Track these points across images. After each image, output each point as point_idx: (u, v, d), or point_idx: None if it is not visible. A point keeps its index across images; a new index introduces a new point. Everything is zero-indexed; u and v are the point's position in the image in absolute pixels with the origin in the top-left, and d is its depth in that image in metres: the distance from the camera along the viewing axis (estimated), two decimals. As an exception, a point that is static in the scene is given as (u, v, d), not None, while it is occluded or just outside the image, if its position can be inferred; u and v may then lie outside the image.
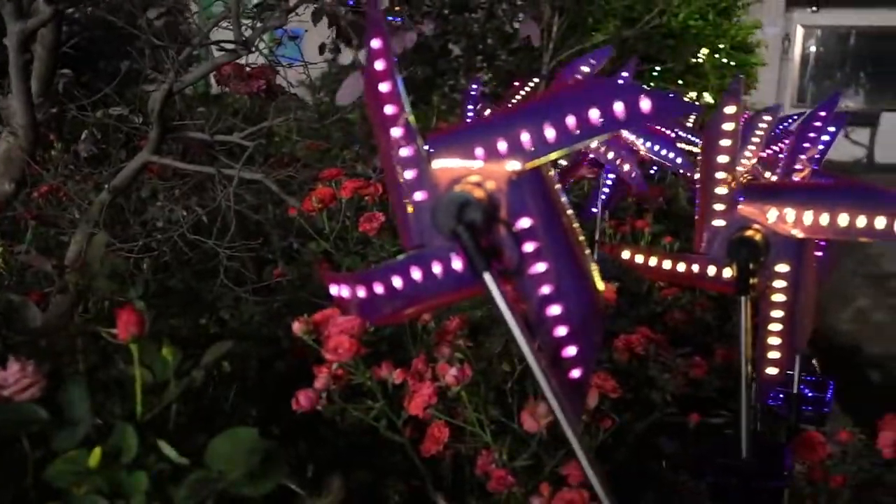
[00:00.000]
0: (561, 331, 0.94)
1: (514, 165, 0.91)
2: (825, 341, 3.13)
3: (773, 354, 1.39)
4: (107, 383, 1.15)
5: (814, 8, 13.49)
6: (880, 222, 1.23)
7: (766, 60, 10.31)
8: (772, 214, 1.32)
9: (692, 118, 4.22)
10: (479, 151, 0.92)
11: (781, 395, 2.00)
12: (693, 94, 8.43)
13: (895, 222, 1.22)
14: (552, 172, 0.96)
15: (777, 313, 1.38)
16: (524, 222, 0.92)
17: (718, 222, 1.40)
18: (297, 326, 1.45)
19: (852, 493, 1.61)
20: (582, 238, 0.98)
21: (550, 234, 0.93)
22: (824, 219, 1.28)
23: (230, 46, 2.10)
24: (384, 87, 0.97)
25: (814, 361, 2.48)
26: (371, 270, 1.05)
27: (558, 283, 0.93)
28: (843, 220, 1.26)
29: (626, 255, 1.53)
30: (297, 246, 2.38)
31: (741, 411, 1.37)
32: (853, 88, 13.97)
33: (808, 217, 1.29)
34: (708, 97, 8.50)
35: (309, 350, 1.45)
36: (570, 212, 0.97)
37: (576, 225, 0.97)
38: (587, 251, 0.98)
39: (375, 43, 0.98)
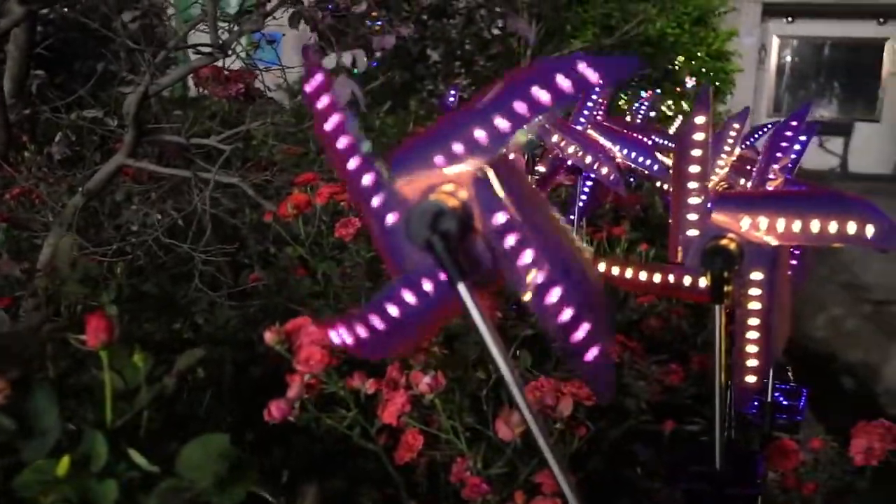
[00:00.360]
0: (566, 314, 0.91)
1: (476, 164, 0.90)
2: (799, 349, 3.16)
3: (752, 362, 1.40)
4: (78, 389, 1.14)
5: (789, 18, 13.66)
6: (851, 227, 1.24)
7: (742, 69, 10.42)
8: (745, 223, 1.32)
9: (673, 126, 4.26)
10: (438, 159, 0.90)
11: (756, 403, 2.02)
12: (670, 102, 8.51)
13: (866, 227, 1.23)
14: (528, 176, 0.96)
15: (753, 321, 1.38)
16: (500, 217, 0.90)
17: (692, 232, 1.41)
18: (268, 336, 1.43)
19: (824, 500, 1.62)
20: (559, 216, 0.97)
21: (528, 221, 0.92)
22: (797, 225, 1.29)
23: (207, 50, 2.09)
24: (331, 122, 0.95)
25: (788, 369, 2.50)
26: (364, 307, 1.03)
27: (549, 267, 0.91)
28: (814, 226, 1.27)
29: (602, 266, 1.54)
30: (274, 251, 2.36)
31: (715, 419, 1.38)
32: (827, 98, 14.15)
33: (780, 224, 1.30)
34: (685, 105, 8.57)
35: (283, 356, 1.44)
36: (542, 194, 0.96)
37: (551, 207, 0.96)
38: (567, 226, 0.97)
39: (314, 82, 0.96)
